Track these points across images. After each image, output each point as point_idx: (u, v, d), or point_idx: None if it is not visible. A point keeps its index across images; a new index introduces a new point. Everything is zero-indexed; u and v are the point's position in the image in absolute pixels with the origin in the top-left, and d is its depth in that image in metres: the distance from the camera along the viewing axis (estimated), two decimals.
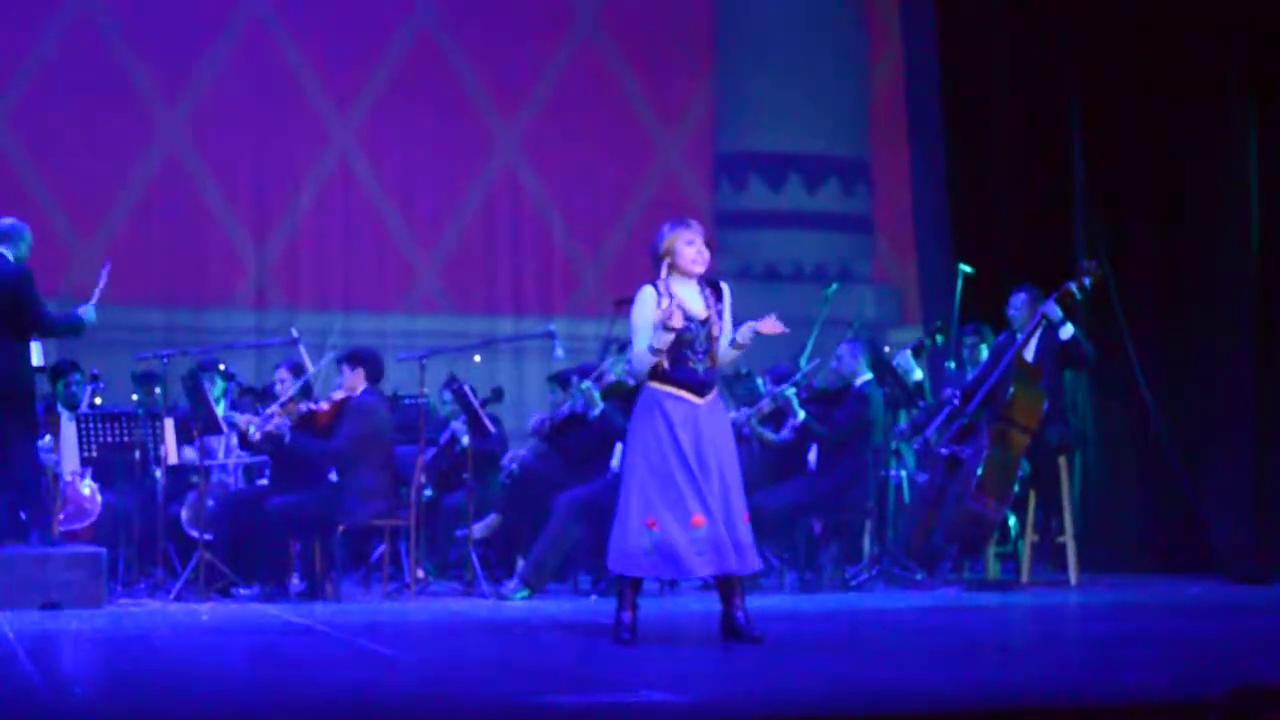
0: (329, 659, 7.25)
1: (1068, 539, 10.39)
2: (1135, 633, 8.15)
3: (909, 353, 11.21)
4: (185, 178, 13.91)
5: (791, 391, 10.46)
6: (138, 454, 10.46)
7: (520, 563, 10.30)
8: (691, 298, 7.45)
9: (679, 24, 14.94)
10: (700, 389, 7.40)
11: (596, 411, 10.14)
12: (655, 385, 7.43)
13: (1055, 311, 10.21)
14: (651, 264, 7.50)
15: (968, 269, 11.27)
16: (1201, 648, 7.57)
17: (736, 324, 7.50)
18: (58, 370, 10.99)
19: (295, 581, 10.13)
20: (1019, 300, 10.49)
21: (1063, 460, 10.47)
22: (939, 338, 11.25)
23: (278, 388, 10.46)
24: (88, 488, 10.78)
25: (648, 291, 7.43)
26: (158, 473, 10.59)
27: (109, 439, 10.46)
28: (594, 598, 9.86)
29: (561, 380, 10.87)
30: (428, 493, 10.77)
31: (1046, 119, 11.83)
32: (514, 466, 11.02)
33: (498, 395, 11.41)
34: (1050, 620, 9.09)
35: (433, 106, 14.27)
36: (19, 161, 13.57)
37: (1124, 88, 11.51)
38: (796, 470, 10.62)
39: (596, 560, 10.19)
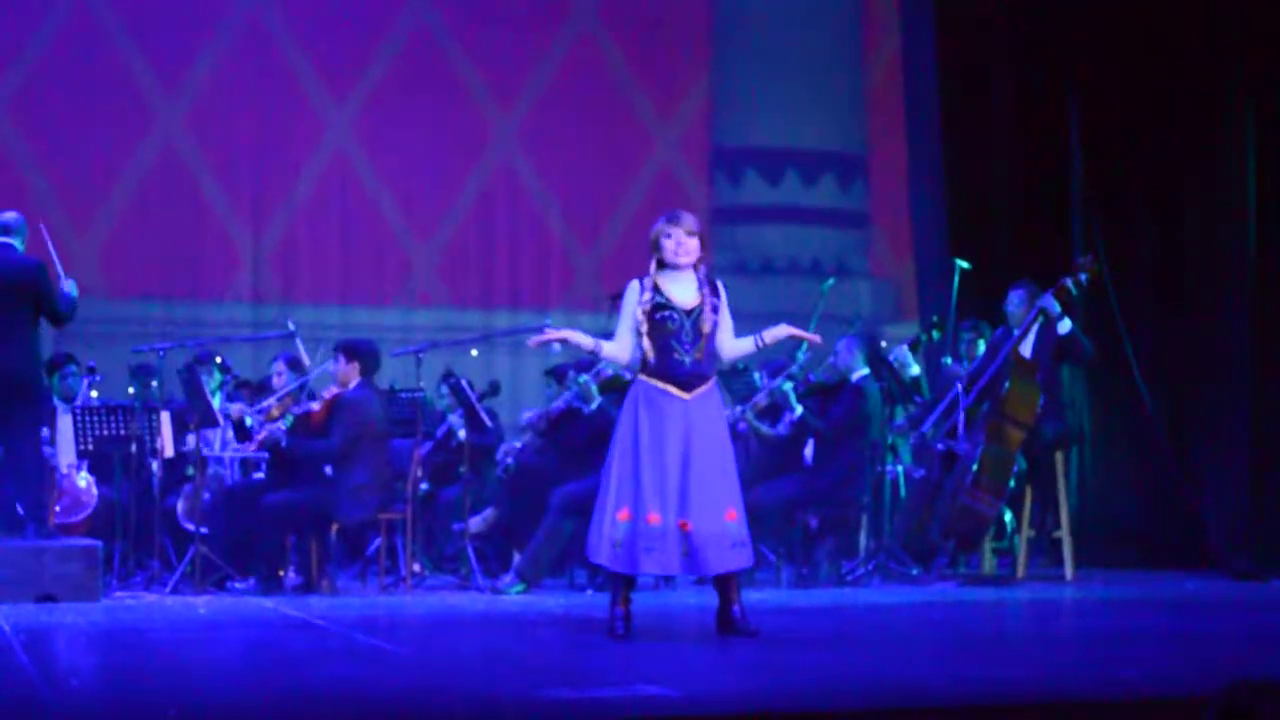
0: (325, 653, 7.25)
1: (1064, 534, 10.39)
2: (1131, 628, 8.16)
3: (906, 348, 11.21)
4: (182, 170, 13.90)
5: (788, 386, 10.45)
6: (134, 447, 10.45)
7: (516, 557, 10.30)
8: (680, 289, 7.44)
9: (676, 18, 14.94)
10: (686, 383, 7.36)
11: (593, 406, 10.14)
12: (642, 378, 7.44)
13: (1053, 306, 10.20)
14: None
15: (964, 264, 11.27)
16: (1197, 643, 7.57)
17: (737, 319, 7.52)
18: (54, 363, 10.99)
19: (291, 575, 10.12)
20: (1016, 296, 10.48)
21: (1059, 456, 10.47)
22: (935, 333, 11.24)
23: (274, 380, 10.45)
24: (84, 480, 10.78)
25: (631, 286, 7.46)
26: (154, 466, 10.58)
27: (105, 432, 10.45)
28: (590, 592, 9.87)
29: (558, 374, 10.87)
30: (424, 487, 10.76)
31: (1044, 114, 11.83)
32: (510, 460, 11.02)
33: (494, 389, 11.41)
34: (1046, 615, 9.10)
35: (429, 100, 14.27)
36: (16, 153, 13.56)
37: (1122, 84, 11.52)
38: (793, 466, 10.62)
39: None
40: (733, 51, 15.08)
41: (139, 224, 13.76)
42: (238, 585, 9.90)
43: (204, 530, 9.97)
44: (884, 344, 11.33)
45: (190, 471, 10.66)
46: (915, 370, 11.24)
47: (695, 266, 7.47)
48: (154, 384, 11.01)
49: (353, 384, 10.04)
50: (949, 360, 11.34)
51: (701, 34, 15.08)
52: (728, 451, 7.46)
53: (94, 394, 11.22)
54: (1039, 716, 5.60)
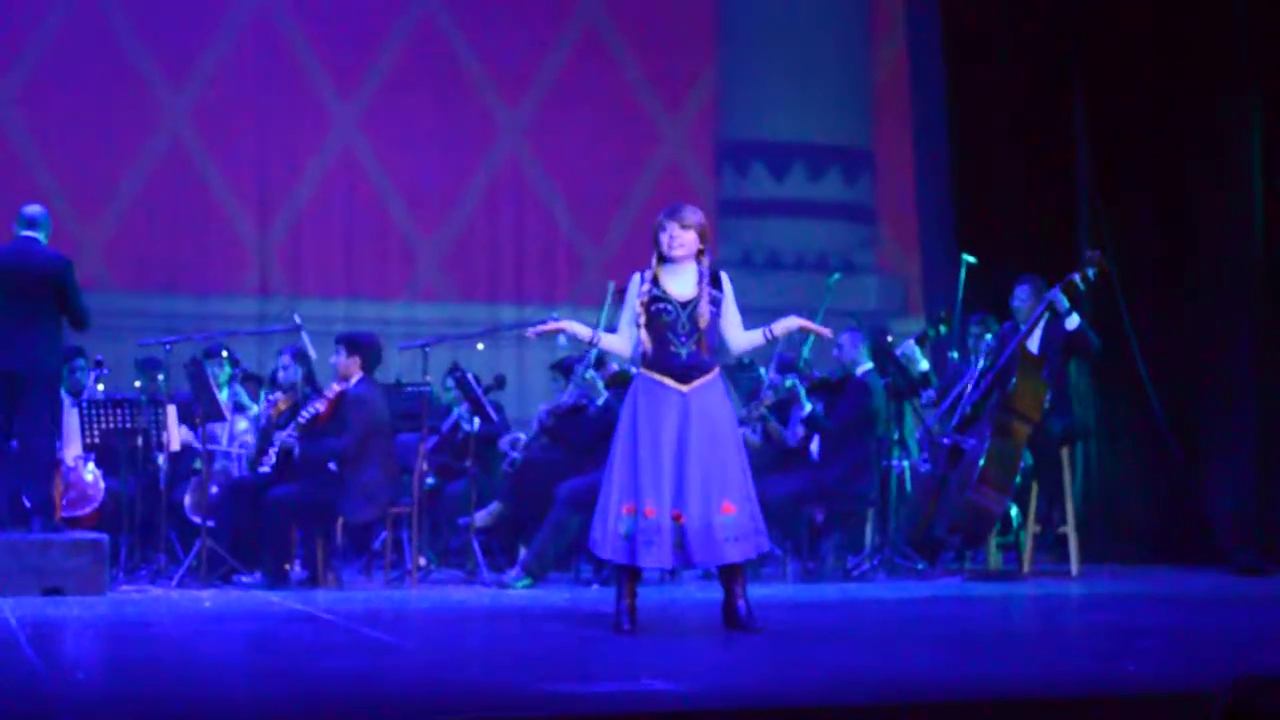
0: (330, 646, 7.25)
1: (1069, 530, 10.39)
2: (1137, 623, 8.15)
3: (913, 343, 11.20)
4: (189, 164, 13.89)
5: (791, 383, 10.45)
6: (140, 440, 10.46)
7: (522, 551, 10.30)
8: (678, 282, 7.43)
9: (682, 11, 14.92)
10: (683, 375, 7.37)
11: (600, 401, 10.14)
12: (641, 371, 7.48)
13: (1061, 300, 10.19)
14: None
15: (971, 259, 11.27)
16: (1203, 638, 7.57)
17: (743, 314, 7.52)
18: (62, 356, 10.99)
19: (297, 569, 10.13)
20: (1022, 291, 10.48)
21: (1065, 451, 10.47)
22: (942, 328, 11.24)
23: (280, 374, 10.46)
24: (90, 474, 10.79)
25: (634, 279, 7.51)
26: (160, 459, 10.59)
27: (112, 425, 10.47)
28: (596, 587, 9.87)
29: (564, 368, 10.87)
30: (430, 481, 10.77)
31: (1050, 109, 11.82)
32: (516, 455, 11.02)
33: (500, 383, 11.41)
34: (1052, 611, 9.09)
35: (436, 94, 14.26)
36: (23, 147, 13.56)
37: (1128, 77, 11.51)
38: (798, 460, 10.62)
39: None
40: (739, 45, 15.07)
41: (146, 218, 13.76)
42: (244, 579, 9.91)
43: (210, 524, 9.97)
44: (890, 339, 11.32)
45: (197, 465, 10.66)
46: (924, 365, 11.24)
47: (698, 260, 7.46)
48: (160, 377, 11.03)
49: (354, 378, 10.02)
50: (955, 355, 11.33)
51: (708, 28, 15.07)
52: (729, 444, 7.42)
53: (100, 387, 11.23)
54: (1044, 712, 5.59)
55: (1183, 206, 11.36)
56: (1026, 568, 10.31)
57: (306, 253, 14.14)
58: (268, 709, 5.62)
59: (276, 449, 9.95)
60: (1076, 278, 10.22)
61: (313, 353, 10.47)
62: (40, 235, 9.62)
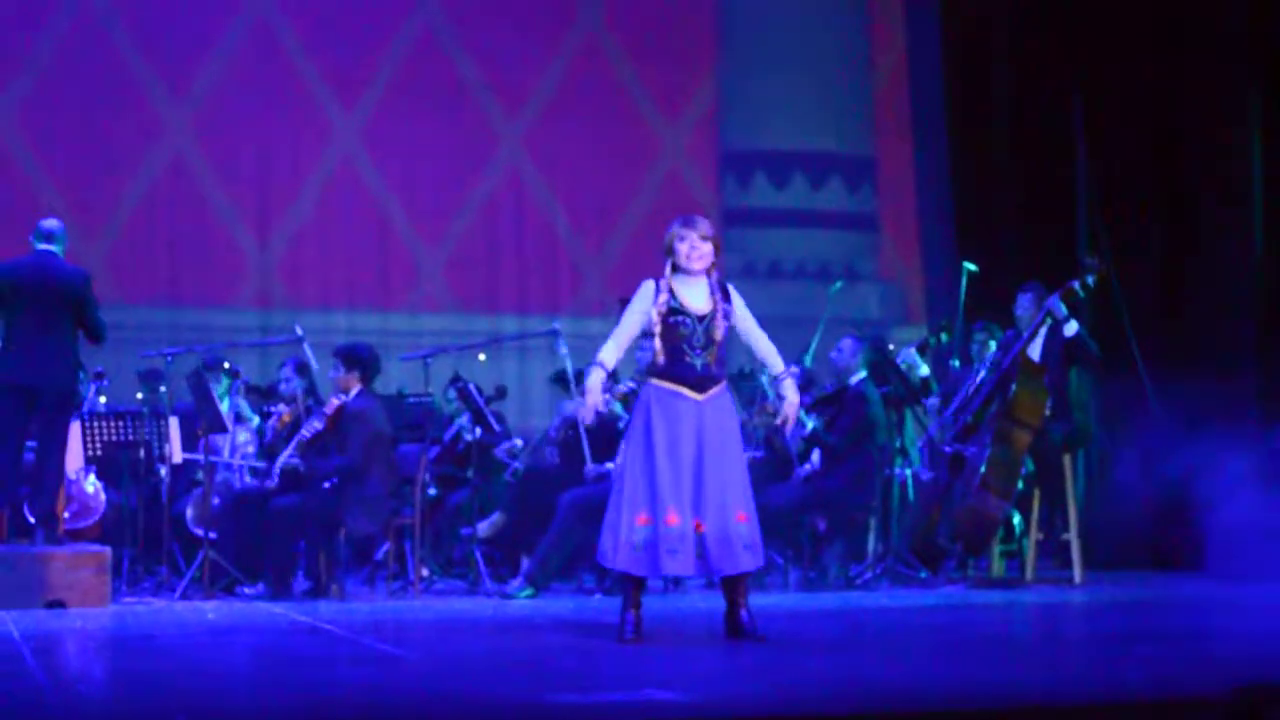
0: (333, 658, 7.26)
1: (1072, 537, 10.38)
2: (1140, 630, 8.15)
3: (914, 350, 11.21)
4: (190, 176, 13.90)
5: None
6: (142, 452, 10.47)
7: (524, 561, 10.30)
8: (693, 294, 7.46)
9: (682, 21, 14.93)
10: (698, 385, 7.40)
11: (621, 424, 10.10)
12: (654, 381, 7.47)
13: (1060, 308, 10.20)
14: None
15: (972, 267, 11.27)
16: (1206, 646, 7.57)
17: (760, 321, 7.58)
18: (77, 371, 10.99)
19: (299, 580, 10.12)
20: (1024, 299, 10.48)
21: (1067, 458, 10.47)
22: (944, 336, 11.24)
23: (282, 386, 10.46)
24: (92, 486, 10.80)
25: (646, 285, 7.48)
26: (162, 471, 10.59)
27: (113, 437, 10.47)
28: (598, 597, 9.86)
29: (563, 381, 10.85)
30: (432, 491, 10.77)
31: (1051, 117, 11.84)
32: (517, 465, 11.02)
33: (501, 393, 11.41)
34: (1055, 618, 9.09)
35: (436, 104, 14.27)
36: (24, 159, 13.57)
37: (1128, 84, 11.52)
38: (801, 468, 10.61)
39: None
40: (740, 55, 15.08)
41: (147, 230, 13.76)
42: (247, 590, 9.90)
43: (212, 535, 9.97)
44: (891, 347, 11.33)
45: (199, 477, 10.67)
46: (924, 370, 11.24)
47: (708, 272, 7.48)
48: (162, 389, 11.04)
49: (353, 391, 10.02)
50: (957, 363, 11.33)
51: (708, 37, 15.08)
52: (738, 454, 7.49)
53: (102, 399, 11.23)
54: (1048, 719, 5.59)
55: (1184, 212, 11.38)
56: (1029, 575, 10.31)
57: (307, 264, 14.14)
58: None
59: (280, 467, 9.95)
60: (1076, 285, 10.23)
61: (314, 364, 10.47)
62: (58, 249, 9.64)
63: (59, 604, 9.05)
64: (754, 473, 7.88)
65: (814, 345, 11.44)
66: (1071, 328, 10.26)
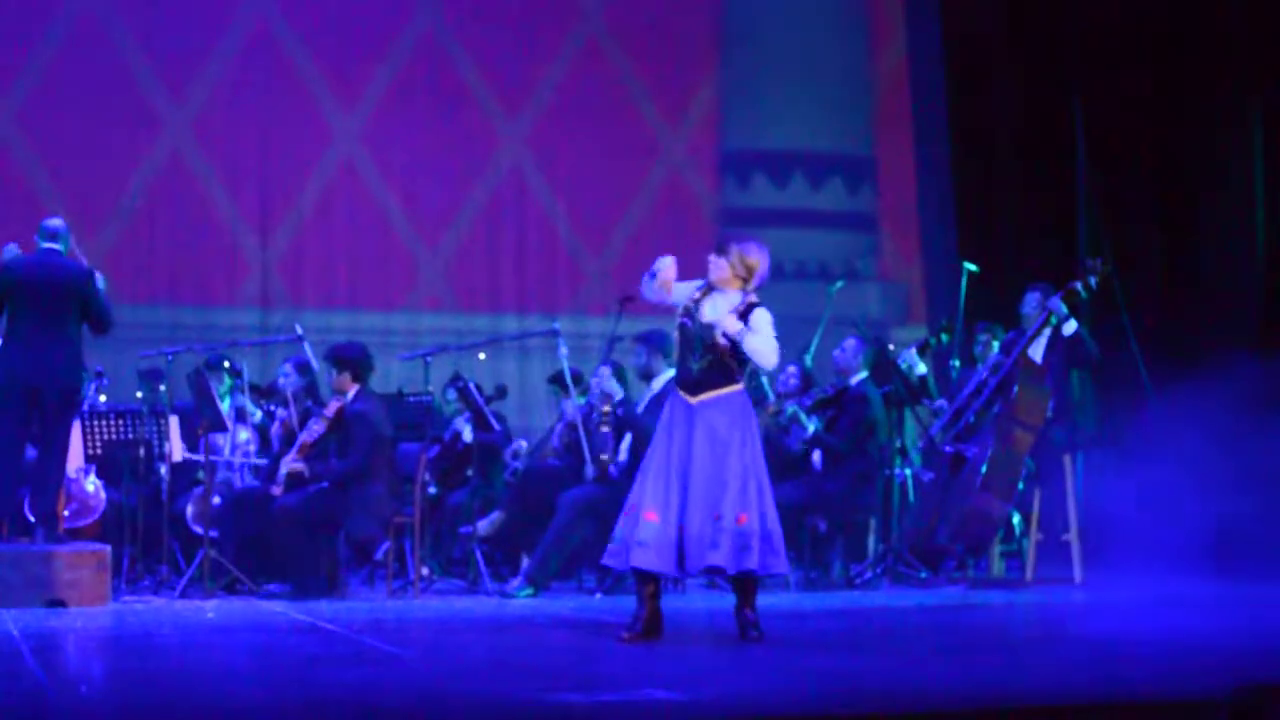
0: (333, 657, 7.25)
1: (1072, 537, 10.38)
2: (1140, 631, 8.15)
3: (914, 350, 11.21)
4: (190, 176, 13.90)
5: (793, 410, 10.47)
6: (142, 451, 10.46)
7: (525, 561, 10.29)
8: (712, 304, 7.57)
9: (683, 22, 14.93)
10: (691, 387, 7.54)
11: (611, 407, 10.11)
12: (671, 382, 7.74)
13: (1060, 308, 10.20)
14: None
15: (972, 267, 11.27)
16: (1207, 646, 7.56)
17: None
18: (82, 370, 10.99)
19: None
20: (1032, 298, 10.47)
21: (1068, 458, 10.47)
22: (944, 336, 11.24)
23: (280, 381, 10.46)
24: (92, 485, 10.79)
25: (689, 283, 7.63)
26: (162, 470, 10.59)
27: (114, 436, 10.47)
28: (599, 596, 9.86)
29: (560, 381, 10.82)
30: (431, 490, 10.76)
31: (1051, 118, 11.84)
32: (518, 464, 11.02)
33: (501, 393, 11.41)
34: (1055, 618, 9.09)
35: (437, 104, 14.27)
36: (25, 159, 13.57)
37: (1128, 85, 11.52)
38: (801, 469, 10.61)
39: (601, 559, 10.20)
40: (740, 55, 15.08)
41: (147, 229, 13.76)
42: (274, 590, 9.85)
43: (213, 534, 9.97)
44: (891, 347, 11.33)
45: (199, 475, 10.66)
46: (922, 369, 11.24)
47: (745, 289, 7.54)
48: (162, 388, 11.03)
49: (351, 392, 10.00)
50: (957, 363, 11.33)
51: (709, 38, 15.08)
52: (736, 457, 7.46)
53: (102, 398, 11.23)
54: (1048, 719, 5.60)
55: (1184, 213, 11.38)
56: (1030, 575, 10.31)
57: (308, 263, 14.15)
58: (271, 719, 5.62)
59: (285, 472, 9.93)
60: (1078, 286, 10.23)
61: (315, 363, 10.46)
62: (61, 247, 9.65)
63: (59, 603, 9.05)
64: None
65: (814, 345, 11.42)
66: (1070, 327, 10.26)
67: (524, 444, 11.15)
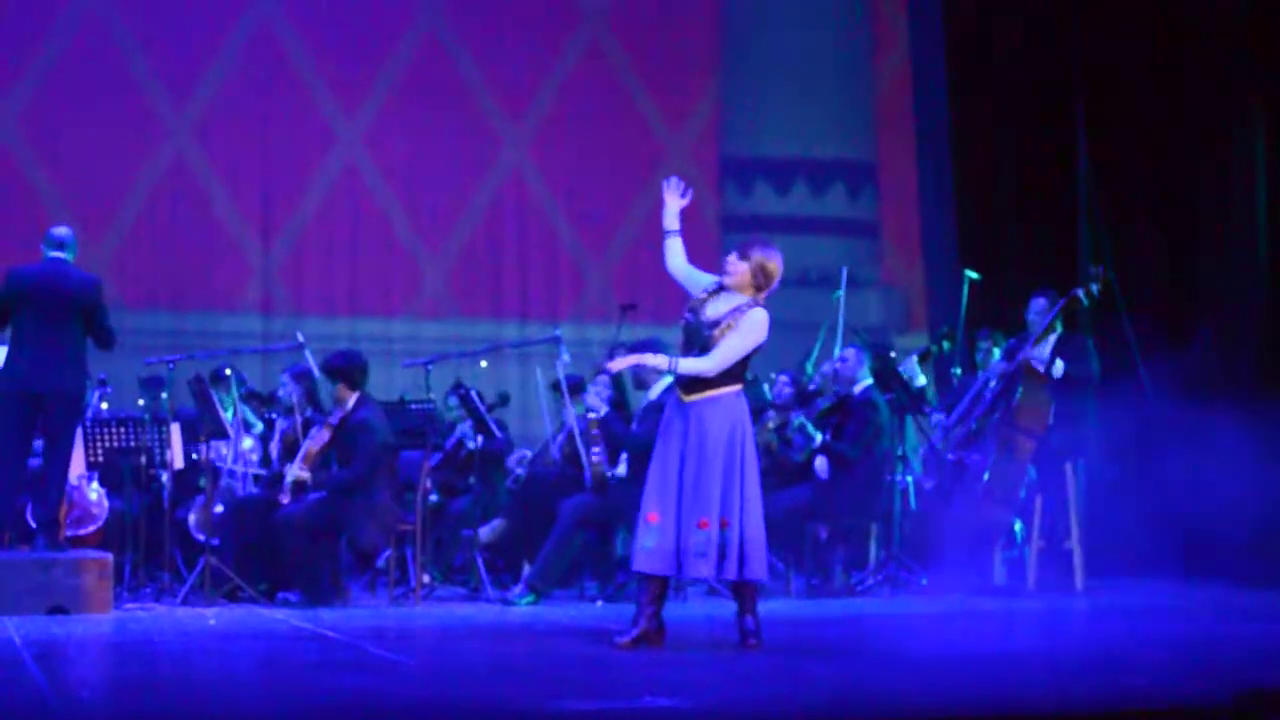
0: (335, 664, 7.25)
1: (1074, 544, 10.38)
2: (1142, 638, 8.15)
3: (914, 360, 11.21)
4: (192, 182, 13.90)
5: (800, 421, 10.47)
6: (144, 458, 10.46)
7: (526, 568, 10.29)
8: (717, 304, 7.56)
9: (685, 27, 14.93)
10: (688, 386, 7.55)
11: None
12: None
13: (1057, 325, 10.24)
14: None
15: (973, 274, 11.27)
16: (1208, 653, 7.56)
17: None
18: (85, 379, 10.98)
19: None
20: (1039, 305, 10.46)
21: (1069, 466, 10.46)
22: (946, 343, 11.24)
23: (281, 391, 10.46)
24: (94, 492, 10.79)
25: (709, 277, 7.66)
26: (164, 477, 10.59)
27: (115, 443, 10.46)
28: (600, 603, 9.86)
29: (558, 389, 10.80)
30: (433, 498, 10.76)
31: (1053, 125, 11.84)
32: (520, 470, 11.02)
33: (503, 400, 11.40)
34: (1056, 625, 9.08)
35: (438, 110, 14.26)
36: (27, 164, 13.57)
37: (1131, 92, 11.52)
38: (804, 476, 10.61)
39: (602, 566, 10.21)
40: (742, 61, 15.08)
41: (149, 235, 13.76)
42: (288, 597, 9.85)
43: (215, 542, 9.97)
44: (893, 354, 11.33)
45: (201, 483, 10.66)
46: (921, 381, 11.24)
47: (755, 294, 7.52)
48: (164, 395, 11.03)
49: (350, 401, 9.99)
50: (958, 370, 11.33)
51: (710, 44, 15.08)
52: (718, 461, 7.46)
53: (104, 406, 11.23)
54: None
55: (1186, 221, 11.38)
56: (1031, 582, 10.30)
57: (310, 270, 14.14)
58: None
59: (290, 481, 9.93)
60: (1080, 293, 10.23)
61: (316, 371, 10.46)
62: (68, 256, 9.65)
63: (61, 610, 9.05)
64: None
65: (815, 352, 11.42)
66: (1058, 369, 10.24)
67: (528, 454, 11.14)
